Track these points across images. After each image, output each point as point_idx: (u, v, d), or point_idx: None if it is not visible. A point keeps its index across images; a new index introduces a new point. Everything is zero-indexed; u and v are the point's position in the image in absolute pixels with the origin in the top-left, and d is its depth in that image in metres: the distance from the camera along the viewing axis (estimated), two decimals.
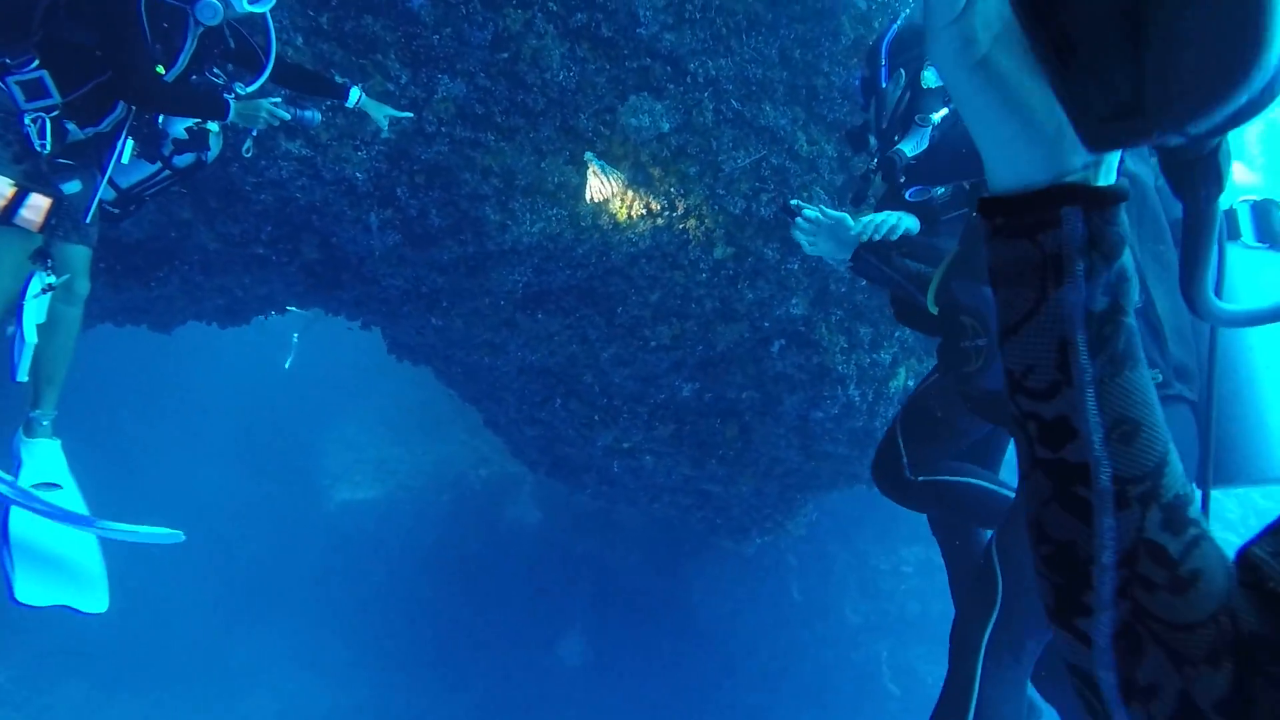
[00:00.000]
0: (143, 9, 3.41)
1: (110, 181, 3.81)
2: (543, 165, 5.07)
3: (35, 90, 3.49)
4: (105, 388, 12.33)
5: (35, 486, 3.78)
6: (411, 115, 4.60)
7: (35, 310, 3.68)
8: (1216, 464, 2.23)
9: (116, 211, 3.98)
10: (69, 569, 3.79)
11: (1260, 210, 2.32)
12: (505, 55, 4.87)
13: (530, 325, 6.00)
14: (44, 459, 3.90)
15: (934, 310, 2.78)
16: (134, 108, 3.67)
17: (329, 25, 4.71)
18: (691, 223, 5.37)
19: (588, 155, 5.04)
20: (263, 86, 3.98)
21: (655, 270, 5.62)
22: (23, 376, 3.70)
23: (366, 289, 6.02)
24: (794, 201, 3.31)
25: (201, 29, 3.67)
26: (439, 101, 4.88)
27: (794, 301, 5.76)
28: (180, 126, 3.90)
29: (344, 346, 14.64)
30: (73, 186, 3.73)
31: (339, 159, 4.89)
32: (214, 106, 3.71)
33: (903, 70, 3.26)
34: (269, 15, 3.84)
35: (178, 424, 13.80)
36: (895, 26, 3.43)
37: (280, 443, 14.64)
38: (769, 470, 6.90)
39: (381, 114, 4.29)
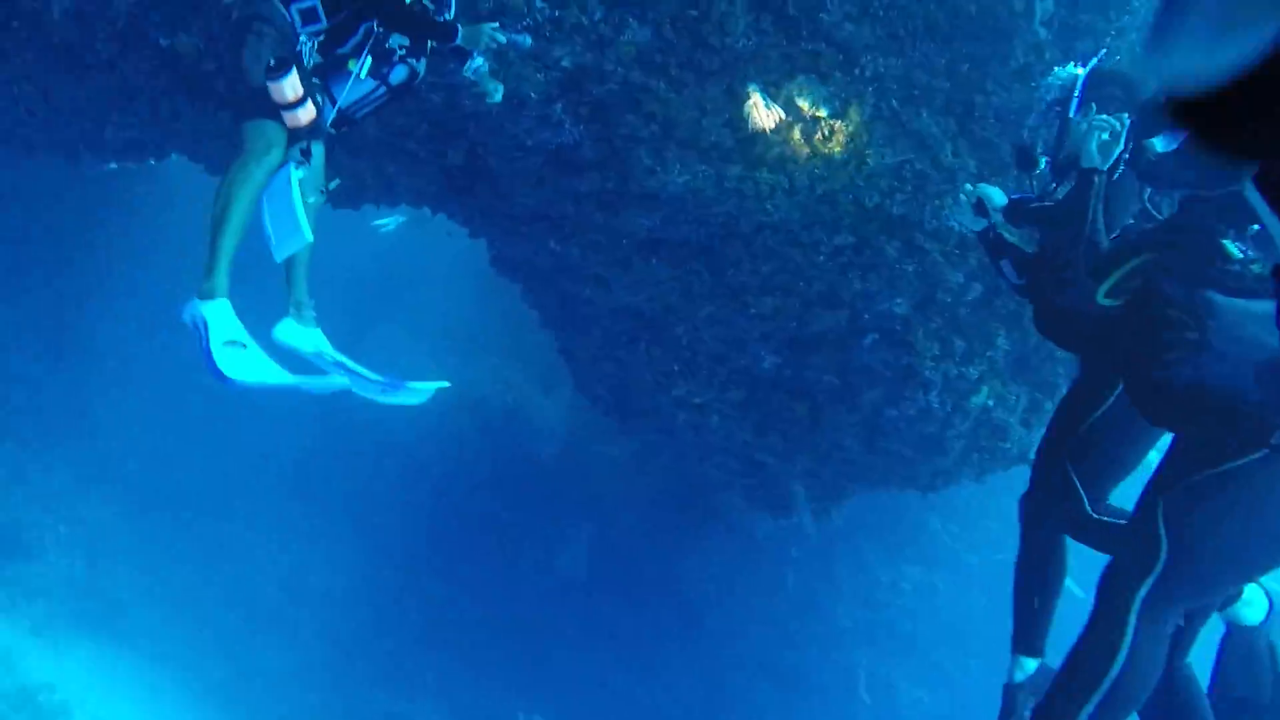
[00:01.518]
0: None
1: (332, 100, 4.21)
2: (703, 122, 5.37)
3: (310, 16, 4.00)
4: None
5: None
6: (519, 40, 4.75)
7: (286, 190, 4.02)
8: None
9: (332, 131, 4.33)
10: None
11: None
12: (694, 12, 5.15)
13: (643, 268, 6.34)
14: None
15: (1104, 302, 3.05)
16: (374, 31, 4.05)
17: None
18: (824, 206, 5.67)
19: (751, 85, 5.27)
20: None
21: (776, 243, 5.92)
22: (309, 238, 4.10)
23: (496, 202, 6.36)
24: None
25: None
26: (623, 43, 5.17)
27: (898, 300, 6.07)
28: (399, 40, 4.26)
29: (404, 250, 14.95)
30: (328, 114, 4.16)
31: (519, 76, 5.20)
32: (444, 31, 4.13)
33: (1094, 105, 3.56)
34: None
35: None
36: (1095, 61, 3.71)
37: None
38: (828, 454, 7.26)
39: (493, 85, 4.59)
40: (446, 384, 4.64)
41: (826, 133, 5.42)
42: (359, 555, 12.58)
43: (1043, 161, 3.80)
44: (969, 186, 3.80)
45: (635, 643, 11.90)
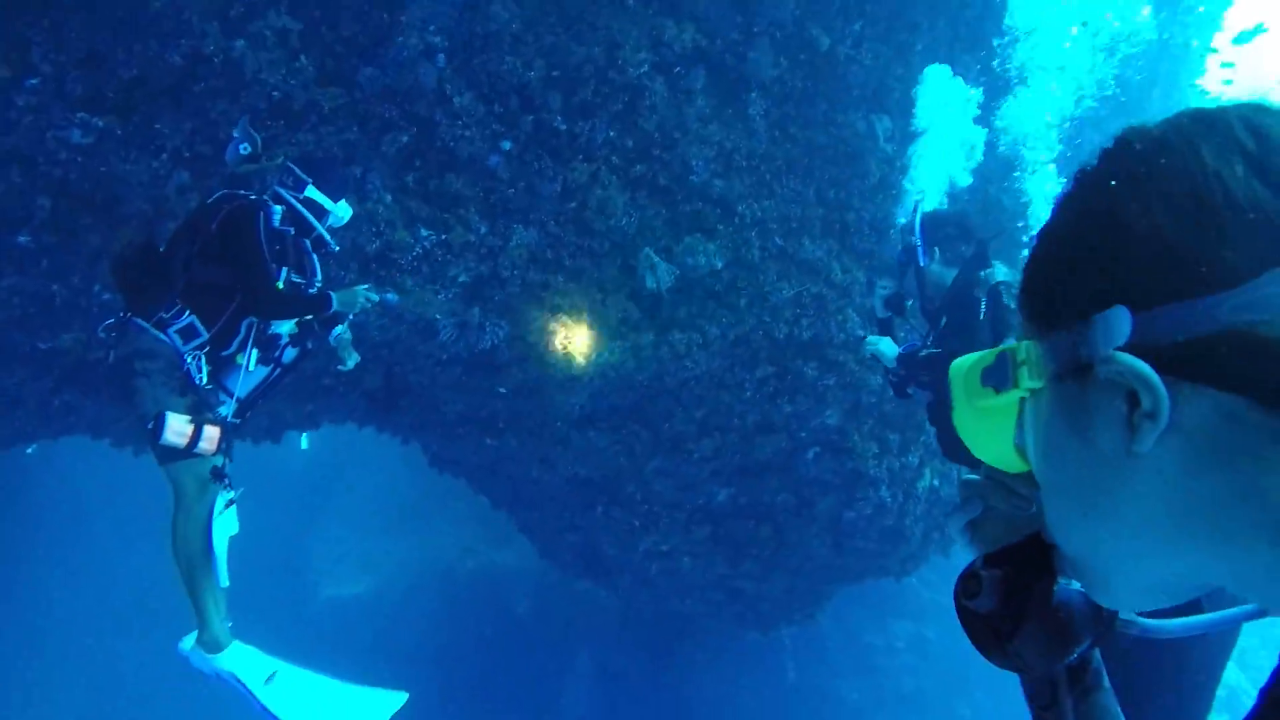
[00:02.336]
0: (262, 239, 4.03)
1: (229, 393, 4.30)
2: (607, 302, 5.56)
3: (190, 333, 4.10)
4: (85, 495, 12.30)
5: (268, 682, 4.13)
6: (388, 298, 4.91)
7: (225, 524, 4.07)
8: None
9: (238, 421, 4.40)
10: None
11: None
12: (573, 204, 5.40)
13: (582, 441, 6.42)
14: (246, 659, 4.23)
15: None
16: (256, 323, 4.18)
17: (415, 184, 5.19)
18: (739, 348, 5.89)
19: (644, 254, 5.51)
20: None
21: (703, 390, 6.11)
22: (225, 582, 4.10)
23: (425, 414, 6.39)
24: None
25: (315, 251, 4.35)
26: (513, 248, 5.36)
27: (829, 413, 6.29)
28: (287, 326, 4.37)
29: (325, 447, 14.76)
30: (228, 407, 4.23)
31: (421, 302, 5.32)
32: (321, 304, 4.25)
33: (938, 249, 3.90)
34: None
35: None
36: (921, 207, 4.08)
37: (272, 541, 14.61)
38: (800, 567, 7.34)
39: (349, 354, 4.65)
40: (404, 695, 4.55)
41: (725, 283, 5.68)
42: None
43: (909, 303, 4.14)
44: (868, 340, 4.05)
45: None
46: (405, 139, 5.11)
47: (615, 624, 12.25)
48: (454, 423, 6.41)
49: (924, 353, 3.74)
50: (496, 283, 5.43)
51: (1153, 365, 0.57)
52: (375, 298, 4.44)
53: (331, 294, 4.27)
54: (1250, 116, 0.60)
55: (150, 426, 3.97)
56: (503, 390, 5.77)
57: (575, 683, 12.73)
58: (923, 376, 3.83)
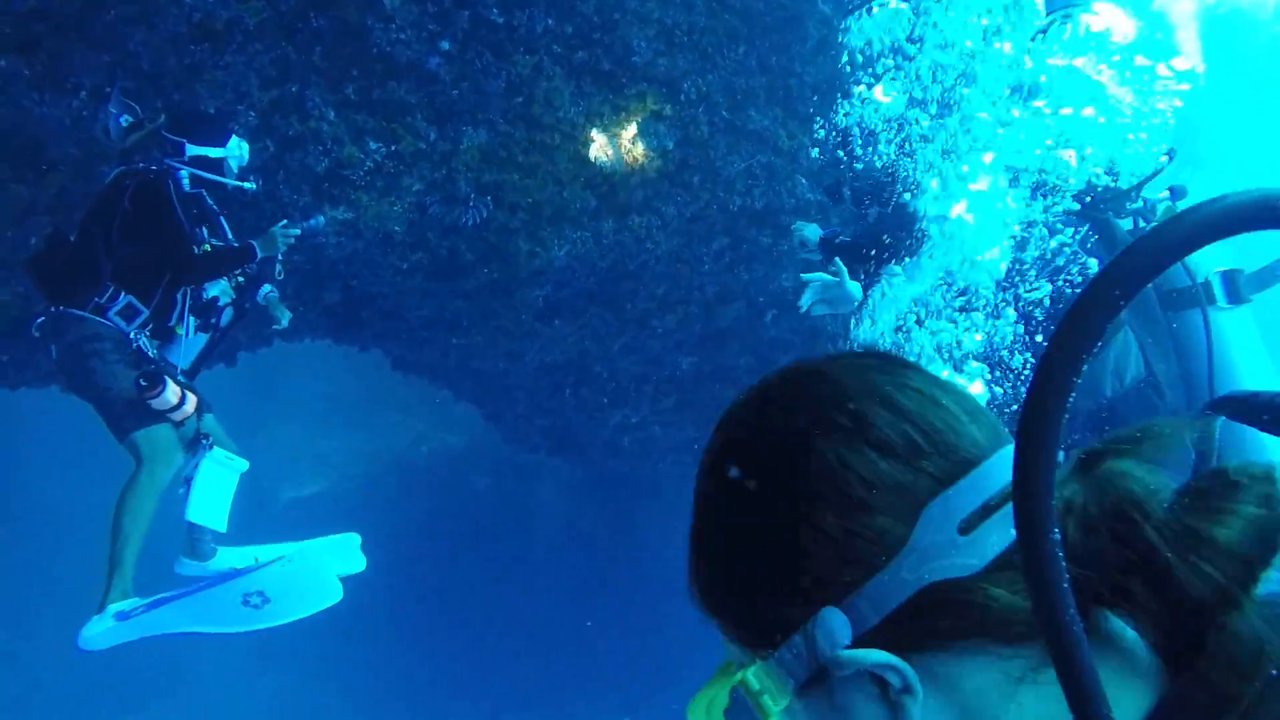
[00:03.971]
0: (177, 209, 4.04)
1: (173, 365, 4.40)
2: (564, 194, 5.62)
3: (129, 312, 4.14)
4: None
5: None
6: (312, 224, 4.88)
7: (209, 478, 4.27)
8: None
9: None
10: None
11: (1228, 278, 3.37)
12: (520, 99, 5.35)
13: (548, 331, 6.60)
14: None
15: None
16: (190, 291, 4.24)
17: (356, 96, 5.05)
18: (696, 225, 6.06)
19: (595, 140, 5.54)
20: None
21: (663, 269, 6.30)
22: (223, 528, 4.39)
23: (388, 322, 6.44)
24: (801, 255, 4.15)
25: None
26: (465, 151, 5.33)
27: (784, 276, 6.57)
28: (220, 288, 4.37)
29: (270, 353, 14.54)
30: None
31: (378, 215, 5.29)
32: (245, 253, 4.27)
33: None
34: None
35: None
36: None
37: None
38: None
39: (282, 312, 4.70)
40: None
41: (677, 163, 5.77)
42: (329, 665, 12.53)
43: (847, 193, 4.35)
44: (796, 226, 4.27)
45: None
46: (339, 48, 4.93)
47: (577, 490, 12.77)
48: (418, 327, 6.49)
49: (840, 238, 3.99)
50: (451, 187, 5.41)
51: (883, 645, 0.59)
52: (295, 231, 4.42)
53: (253, 242, 4.28)
54: (852, 384, 0.65)
55: (144, 384, 4.00)
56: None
57: (540, 547, 13.29)
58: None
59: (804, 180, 6.17)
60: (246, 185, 4.41)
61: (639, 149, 5.65)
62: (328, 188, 5.14)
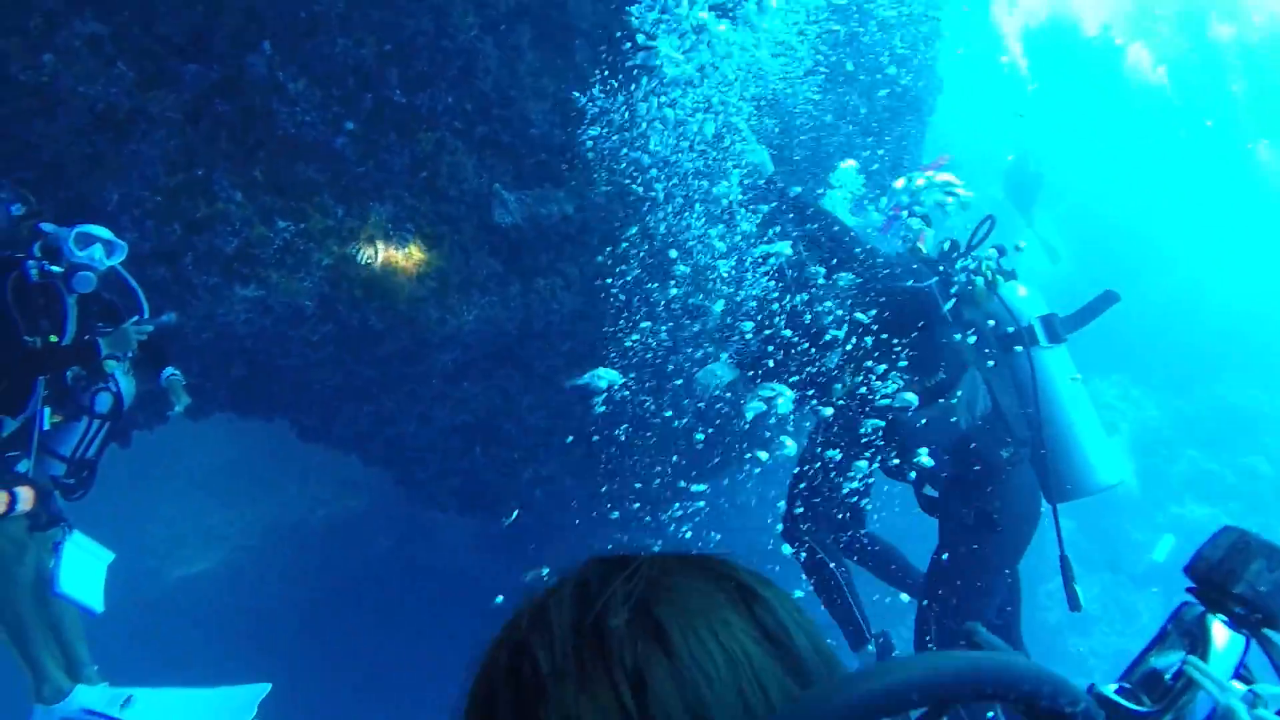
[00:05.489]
0: (9, 297, 4.17)
1: (55, 455, 4.53)
2: (471, 262, 5.94)
3: None
4: None
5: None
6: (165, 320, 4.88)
7: (74, 555, 4.37)
8: (1058, 489, 4.03)
9: (73, 482, 4.63)
10: None
11: (1046, 321, 4.16)
12: (425, 174, 5.67)
13: (457, 393, 6.86)
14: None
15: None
16: (45, 380, 4.36)
17: (264, 177, 5.27)
18: (597, 282, 6.47)
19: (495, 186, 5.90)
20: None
21: (567, 325, 6.67)
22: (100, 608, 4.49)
23: (296, 394, 6.58)
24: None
25: (75, 295, 4.42)
26: (372, 225, 5.60)
27: (688, 324, 7.05)
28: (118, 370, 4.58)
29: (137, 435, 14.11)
30: (22, 465, 4.39)
31: (291, 291, 5.49)
32: (86, 350, 4.40)
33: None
34: (121, 268, 4.58)
35: None
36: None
37: (101, 528, 13.98)
38: (678, 462, 8.25)
39: (180, 397, 4.83)
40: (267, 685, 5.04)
41: (577, 226, 6.19)
42: None
43: None
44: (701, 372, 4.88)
45: None
46: (246, 132, 5.15)
47: (479, 545, 12.83)
48: (329, 396, 6.65)
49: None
50: (356, 264, 5.66)
51: None
52: (150, 328, 4.55)
53: (99, 340, 4.40)
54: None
55: None
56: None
57: (446, 603, 13.20)
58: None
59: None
60: (80, 287, 4.35)
61: (541, 215, 6.03)
62: (237, 267, 5.31)
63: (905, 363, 4.14)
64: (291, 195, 5.36)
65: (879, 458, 4.30)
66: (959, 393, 4.13)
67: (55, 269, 4.28)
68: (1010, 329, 4.33)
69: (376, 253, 5.69)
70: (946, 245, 4.60)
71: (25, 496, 4.23)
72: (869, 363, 4.20)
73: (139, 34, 4.76)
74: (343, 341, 6.11)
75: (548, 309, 6.34)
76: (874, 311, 4.20)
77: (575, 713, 0.60)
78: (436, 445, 7.58)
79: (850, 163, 5.33)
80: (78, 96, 4.63)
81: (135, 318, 4.50)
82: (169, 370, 4.79)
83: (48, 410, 4.42)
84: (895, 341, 4.18)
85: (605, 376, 5.08)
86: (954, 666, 0.57)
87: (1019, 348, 4.30)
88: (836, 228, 4.45)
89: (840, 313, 4.36)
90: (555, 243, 6.20)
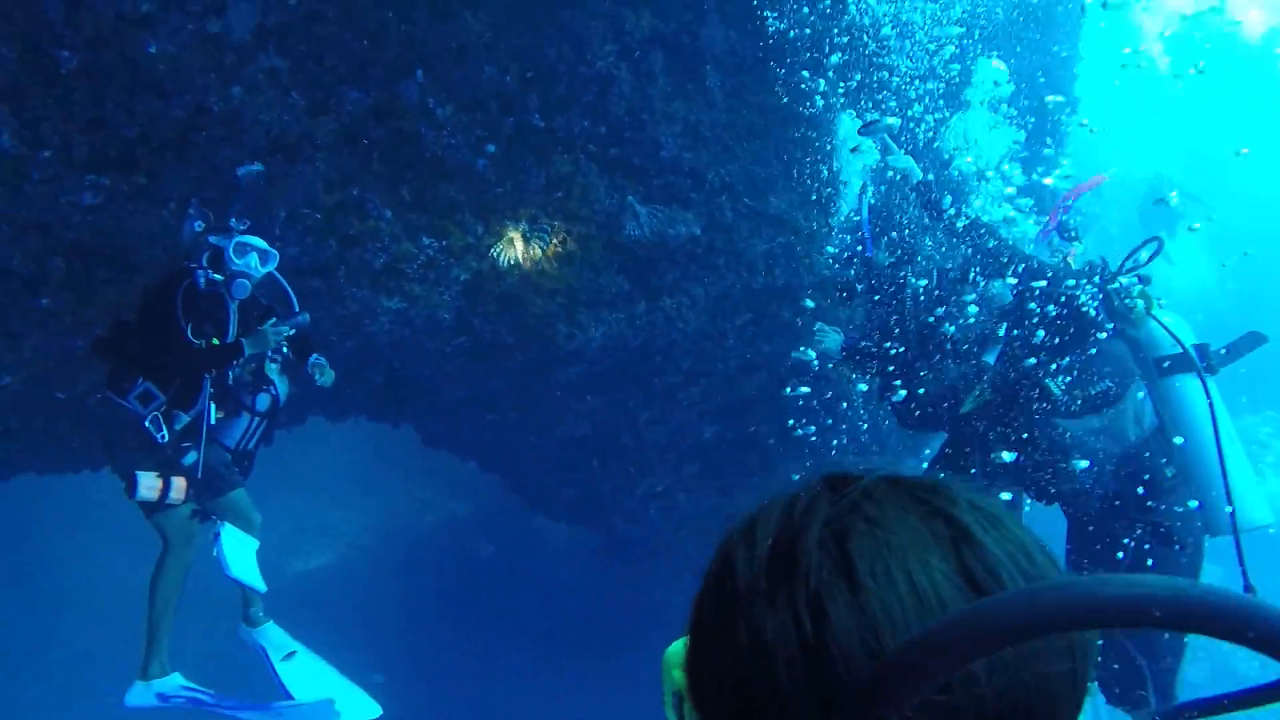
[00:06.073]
0: (179, 306, 4.66)
1: (222, 445, 5.06)
2: (600, 280, 6.20)
3: (146, 397, 4.76)
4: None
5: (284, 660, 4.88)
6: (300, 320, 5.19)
7: (231, 545, 4.79)
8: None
9: (238, 469, 5.18)
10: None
11: (1200, 350, 4.19)
12: (559, 194, 5.96)
13: (579, 406, 7.13)
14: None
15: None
16: (209, 378, 4.86)
17: (411, 197, 5.66)
18: (722, 303, 6.64)
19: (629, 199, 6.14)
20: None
21: (689, 344, 6.86)
22: (263, 587, 5.04)
23: (426, 400, 6.98)
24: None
25: (236, 302, 4.89)
26: (508, 241, 5.92)
27: (804, 349, 7.14)
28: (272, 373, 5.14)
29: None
30: (190, 458, 4.88)
31: (430, 304, 5.86)
32: (233, 350, 4.81)
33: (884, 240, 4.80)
34: (279, 275, 5.06)
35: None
36: (867, 203, 4.94)
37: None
38: (788, 484, 8.31)
39: (326, 372, 5.17)
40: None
41: (704, 247, 6.38)
42: None
43: (858, 288, 5.02)
44: (818, 326, 4.95)
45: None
46: (395, 154, 5.56)
47: (583, 552, 13.10)
48: (456, 406, 7.03)
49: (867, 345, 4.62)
50: (496, 277, 6.00)
51: None
52: (286, 329, 4.92)
53: (243, 340, 4.81)
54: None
55: (124, 486, 4.68)
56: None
57: (543, 609, 13.50)
58: (869, 365, 4.73)
59: (819, 258, 6.78)
60: (238, 293, 4.79)
61: (669, 236, 6.25)
62: (384, 280, 5.71)
63: (1065, 374, 4.18)
64: (435, 213, 5.73)
65: (1026, 480, 4.30)
66: (1128, 404, 4.14)
67: (218, 277, 4.77)
68: (1164, 354, 4.28)
69: (511, 269, 6.02)
70: (1097, 261, 4.59)
71: (178, 486, 4.76)
72: (1029, 364, 4.23)
73: (311, 66, 5.21)
74: (474, 353, 6.47)
75: (672, 328, 6.55)
76: (1036, 320, 4.25)
77: (761, 629, 0.62)
78: (554, 456, 7.88)
79: (998, 64, 5.37)
80: (258, 124, 5.11)
81: (273, 320, 4.94)
82: (314, 356, 5.21)
83: (213, 406, 4.90)
84: (1060, 350, 4.22)
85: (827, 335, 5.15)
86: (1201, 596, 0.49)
87: (1172, 374, 4.24)
88: (993, 242, 4.52)
89: (986, 320, 4.43)
90: (681, 262, 6.41)
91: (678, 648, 0.75)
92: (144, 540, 5.17)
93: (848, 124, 6.64)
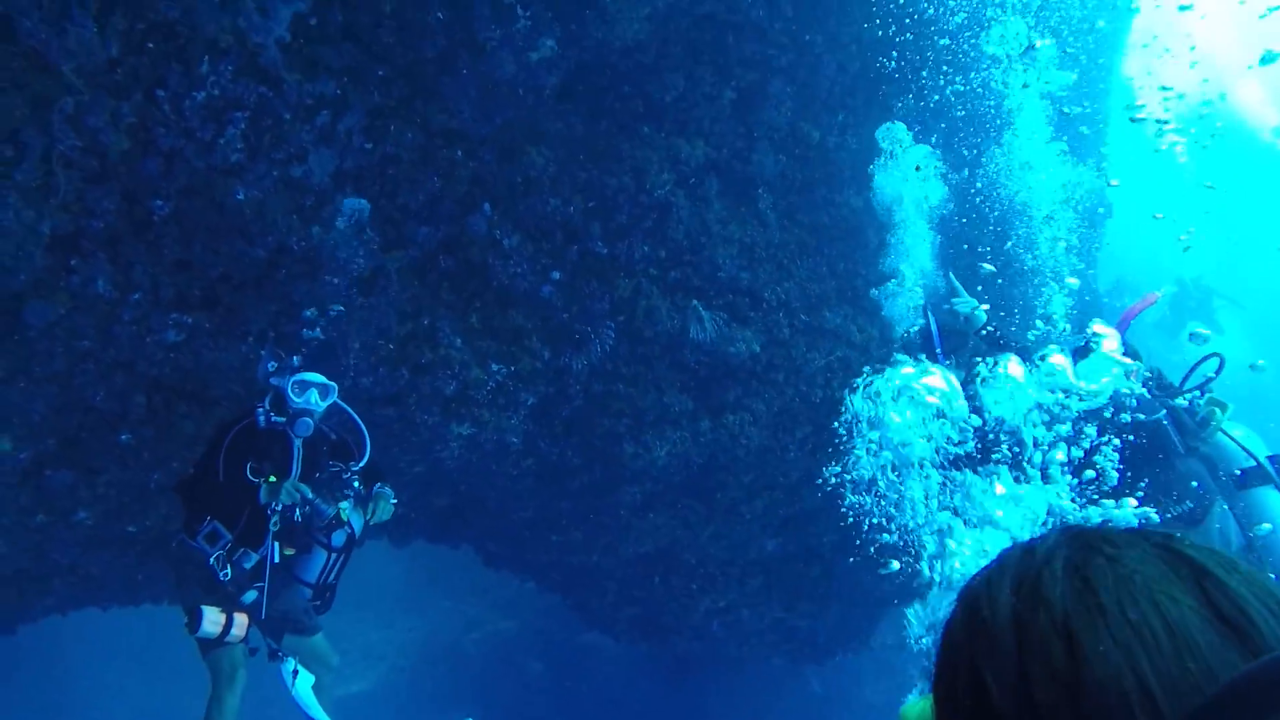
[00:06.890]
0: (226, 445, 4.76)
1: (302, 582, 5.11)
2: (665, 400, 6.27)
3: (213, 536, 4.78)
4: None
5: None
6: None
7: (304, 687, 4.79)
8: None
9: (319, 603, 5.25)
10: None
11: (1275, 461, 4.16)
12: (623, 317, 6.10)
13: (642, 525, 7.10)
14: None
15: None
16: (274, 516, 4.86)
17: (479, 324, 5.81)
18: (783, 417, 6.68)
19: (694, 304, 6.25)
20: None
21: (751, 459, 6.86)
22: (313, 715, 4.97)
23: (492, 522, 6.98)
24: None
25: (300, 440, 4.94)
26: (575, 368, 6.03)
27: (864, 462, 7.12)
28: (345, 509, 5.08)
29: None
30: (250, 596, 4.87)
31: (499, 429, 5.94)
32: (249, 492, 4.80)
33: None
34: (349, 408, 5.12)
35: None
36: (935, 323, 5.05)
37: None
38: (851, 595, 8.16)
39: (385, 509, 5.21)
40: None
41: (764, 364, 6.46)
42: None
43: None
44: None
45: None
46: (464, 283, 5.74)
47: (634, 670, 12.81)
48: (521, 527, 7.02)
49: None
50: (564, 399, 6.08)
51: None
52: (307, 493, 4.91)
53: (263, 486, 4.85)
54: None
55: (186, 622, 4.67)
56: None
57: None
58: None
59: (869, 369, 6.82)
60: (301, 432, 4.86)
61: (730, 354, 6.35)
62: (455, 406, 5.81)
63: (1142, 493, 4.13)
64: (504, 339, 5.87)
65: None
66: (1215, 525, 4.07)
67: (279, 419, 4.86)
68: (1238, 469, 4.24)
69: (580, 391, 6.11)
70: (1152, 375, 4.60)
71: (240, 623, 4.75)
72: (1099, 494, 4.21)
73: (385, 204, 5.45)
74: (541, 475, 6.50)
75: (735, 444, 6.57)
76: (1114, 441, 4.24)
77: (1009, 654, 0.65)
78: (617, 574, 7.80)
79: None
80: (336, 260, 5.32)
81: (290, 479, 4.93)
82: (378, 486, 5.26)
83: (277, 545, 4.93)
84: (1132, 472, 4.19)
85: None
86: None
87: (1248, 488, 4.19)
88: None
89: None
90: (743, 379, 6.48)
91: (915, 706, 0.77)
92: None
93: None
